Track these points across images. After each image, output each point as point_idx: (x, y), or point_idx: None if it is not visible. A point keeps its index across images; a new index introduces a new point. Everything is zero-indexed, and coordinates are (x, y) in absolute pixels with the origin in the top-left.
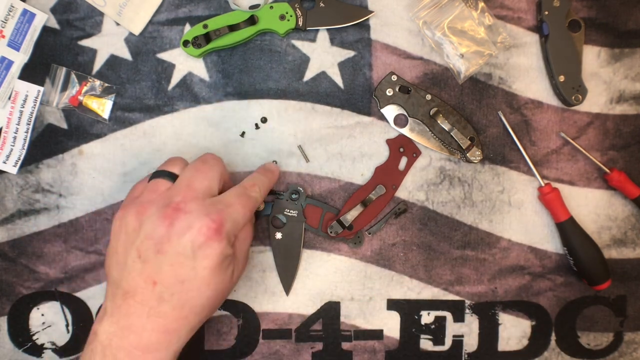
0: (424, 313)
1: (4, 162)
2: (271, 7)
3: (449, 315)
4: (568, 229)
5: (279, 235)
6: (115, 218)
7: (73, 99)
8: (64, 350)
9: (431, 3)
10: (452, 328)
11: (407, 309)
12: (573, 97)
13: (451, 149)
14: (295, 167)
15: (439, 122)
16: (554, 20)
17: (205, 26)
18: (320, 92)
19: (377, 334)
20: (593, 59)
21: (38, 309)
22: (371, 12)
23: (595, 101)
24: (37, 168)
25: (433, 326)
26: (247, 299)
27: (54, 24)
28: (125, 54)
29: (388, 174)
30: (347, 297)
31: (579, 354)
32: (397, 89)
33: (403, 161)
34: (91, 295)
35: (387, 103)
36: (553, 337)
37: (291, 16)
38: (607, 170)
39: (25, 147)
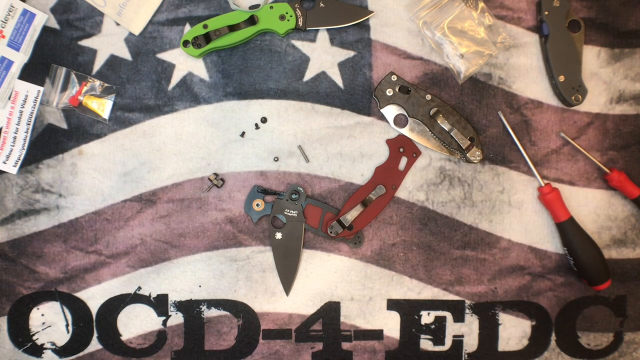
0: (424, 313)
1: (4, 162)
2: (271, 7)
3: (449, 315)
4: (568, 229)
5: (279, 235)
6: None
7: (73, 99)
8: (64, 350)
9: (431, 3)
10: (452, 328)
11: (407, 309)
12: (573, 97)
13: (451, 149)
14: (295, 167)
15: (439, 122)
16: (554, 20)
17: (205, 26)
18: (320, 92)
19: (377, 334)
20: (593, 59)
21: (38, 309)
22: (371, 12)
23: (595, 101)
24: (37, 168)
25: (433, 326)
26: (247, 299)
27: (54, 24)
28: (125, 54)
29: (388, 174)
30: (347, 297)
31: (579, 354)
32: (397, 89)
33: (403, 161)
34: (91, 295)
35: (387, 103)
36: (553, 337)
37: (291, 16)
38: (607, 171)
39: (25, 147)
